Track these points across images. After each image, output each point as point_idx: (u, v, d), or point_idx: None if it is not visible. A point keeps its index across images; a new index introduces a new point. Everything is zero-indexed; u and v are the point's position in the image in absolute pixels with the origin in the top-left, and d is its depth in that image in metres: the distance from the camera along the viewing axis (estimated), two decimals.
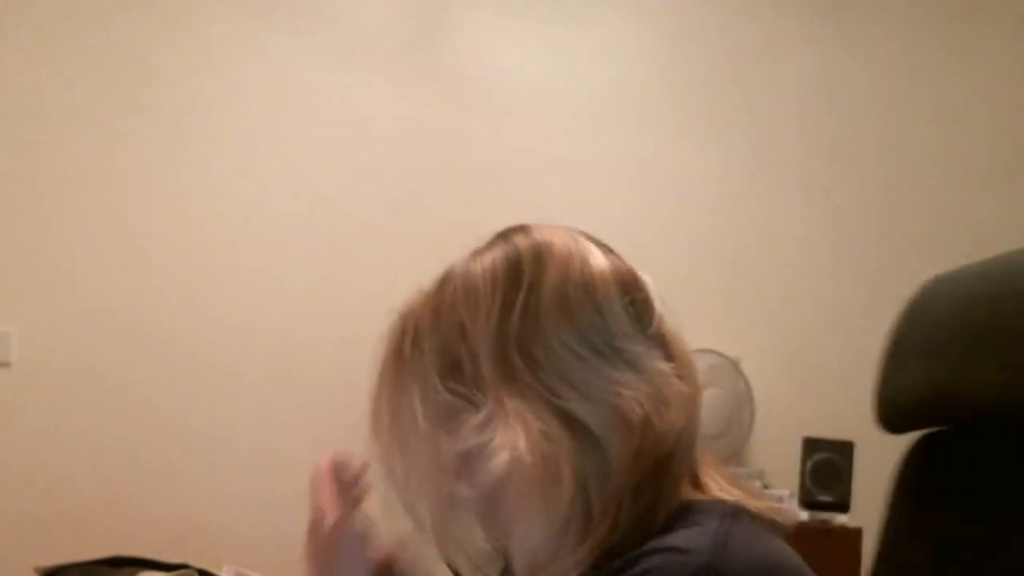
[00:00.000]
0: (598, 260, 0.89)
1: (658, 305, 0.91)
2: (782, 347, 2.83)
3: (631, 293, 0.88)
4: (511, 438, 0.75)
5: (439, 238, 2.83)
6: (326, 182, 2.79)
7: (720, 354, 2.83)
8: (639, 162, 2.96)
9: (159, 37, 2.73)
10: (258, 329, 2.72)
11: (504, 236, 0.90)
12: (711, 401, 2.81)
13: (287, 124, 2.78)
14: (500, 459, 0.75)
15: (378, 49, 2.83)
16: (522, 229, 0.92)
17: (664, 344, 0.88)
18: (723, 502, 0.78)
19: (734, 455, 2.82)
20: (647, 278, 0.93)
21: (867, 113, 3.02)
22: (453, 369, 0.81)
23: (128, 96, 2.70)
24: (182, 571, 2.06)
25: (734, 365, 2.82)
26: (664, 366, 0.83)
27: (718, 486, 0.81)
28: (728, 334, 2.88)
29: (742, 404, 2.83)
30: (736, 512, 0.76)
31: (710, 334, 2.85)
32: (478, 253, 0.88)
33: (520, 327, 0.81)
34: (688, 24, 3.00)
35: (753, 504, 0.78)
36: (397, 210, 2.81)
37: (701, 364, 2.92)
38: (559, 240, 0.90)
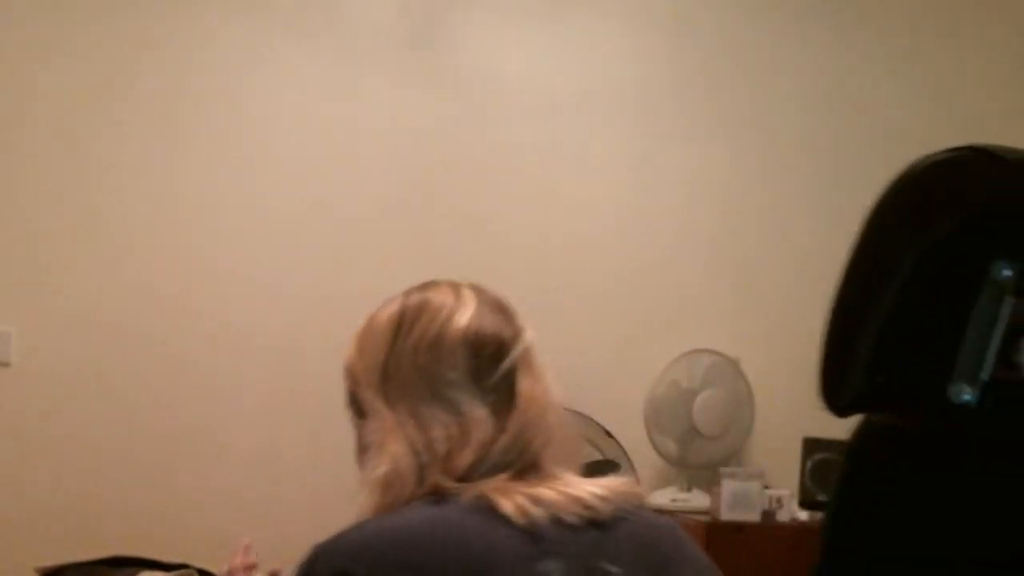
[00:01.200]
0: (460, 321, 1.12)
1: (507, 363, 1.11)
2: (782, 347, 2.82)
3: (478, 351, 1.11)
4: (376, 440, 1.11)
5: (438, 237, 2.84)
6: (325, 182, 2.79)
7: (720, 354, 2.83)
8: (640, 162, 2.96)
9: (159, 37, 2.72)
10: (258, 329, 2.72)
11: (406, 292, 1.18)
12: (711, 401, 2.81)
13: (287, 124, 2.78)
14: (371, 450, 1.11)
15: (378, 49, 2.83)
16: (423, 287, 1.18)
17: (502, 394, 1.10)
18: (438, 493, 1.05)
19: (734, 455, 2.82)
20: (525, 335, 1.14)
21: (869, 113, 3.02)
22: (352, 398, 1.18)
23: (128, 96, 2.70)
24: (182, 571, 2.05)
25: (734, 365, 2.82)
26: (481, 413, 1.08)
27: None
28: (728, 334, 2.88)
29: (742, 404, 2.83)
30: (440, 498, 1.04)
31: (710, 334, 2.85)
32: (386, 304, 1.18)
33: (388, 369, 1.12)
34: (689, 24, 2.99)
35: (498, 500, 1.03)
36: (396, 209, 2.81)
37: (701, 364, 2.92)
38: (439, 299, 1.15)
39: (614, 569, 1.05)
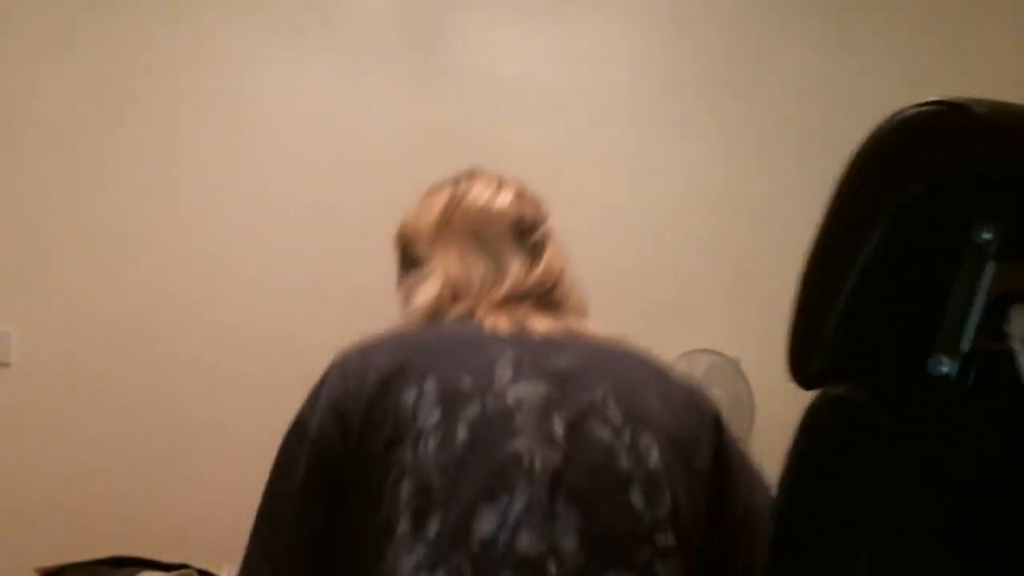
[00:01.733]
0: (505, 198, 1.41)
1: (538, 234, 1.39)
2: (782, 347, 2.82)
3: (517, 221, 1.38)
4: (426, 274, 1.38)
5: None
6: (325, 182, 2.79)
7: (720, 354, 2.83)
8: (640, 162, 2.96)
9: (159, 37, 2.73)
10: (259, 328, 2.72)
11: (455, 179, 1.49)
12: None
13: (287, 124, 2.78)
14: (420, 285, 1.39)
15: (378, 49, 2.83)
16: (470, 174, 1.50)
17: (533, 255, 1.37)
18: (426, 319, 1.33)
19: None
20: (544, 223, 1.43)
21: (868, 113, 3.01)
22: (404, 257, 1.47)
23: (127, 96, 2.70)
24: (182, 571, 2.06)
25: (734, 365, 2.82)
26: (516, 264, 1.34)
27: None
28: (728, 334, 2.88)
29: (742, 404, 2.83)
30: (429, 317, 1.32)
31: (710, 334, 2.85)
32: (436, 186, 1.51)
33: (442, 224, 1.41)
34: (689, 24, 3.00)
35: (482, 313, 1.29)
36: (397, 209, 2.81)
37: (701, 364, 2.92)
38: (485, 181, 1.46)
39: (562, 363, 1.22)
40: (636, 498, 1.15)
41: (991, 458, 0.74)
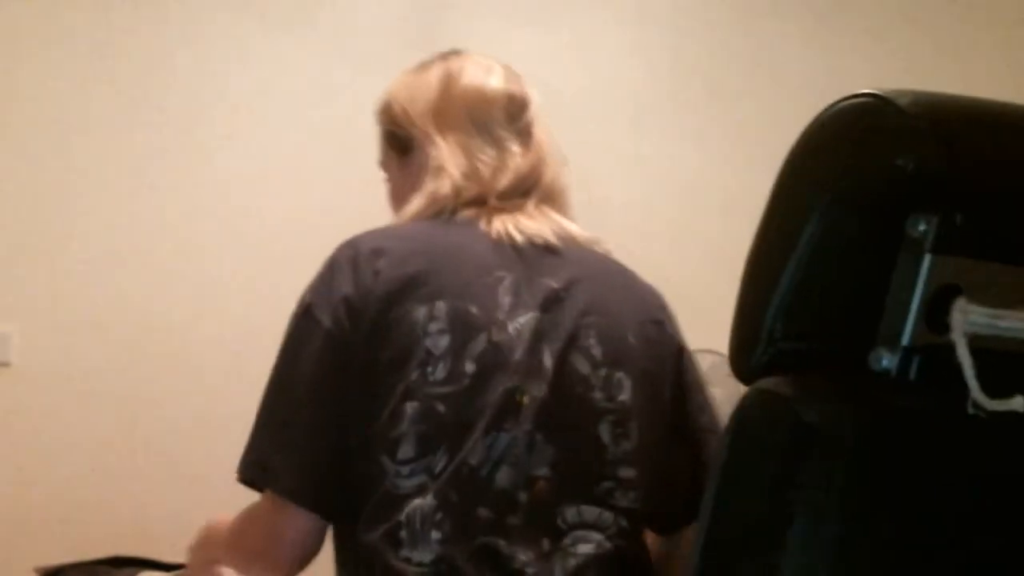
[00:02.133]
0: (497, 79, 1.42)
1: (530, 113, 1.42)
2: None
3: (510, 101, 1.41)
4: (432, 165, 1.39)
5: None
6: (325, 182, 2.79)
7: (720, 354, 2.82)
8: (640, 162, 2.95)
9: (157, 37, 2.72)
10: (259, 329, 2.71)
11: (443, 55, 1.45)
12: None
13: (286, 124, 2.78)
14: (425, 174, 1.40)
15: (378, 49, 2.83)
16: (456, 54, 1.46)
17: (526, 137, 1.40)
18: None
19: None
20: (531, 100, 1.46)
21: None
22: (392, 137, 1.46)
23: (128, 95, 2.70)
24: (182, 571, 2.05)
25: None
26: (516, 148, 1.37)
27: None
28: (728, 334, 2.87)
29: None
30: (450, 218, 1.33)
31: (710, 334, 2.83)
32: (424, 63, 1.48)
33: (441, 107, 1.39)
34: (690, 24, 3.00)
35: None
36: None
37: (701, 364, 2.91)
38: (476, 61, 1.43)
39: (554, 283, 1.28)
40: (604, 432, 1.23)
41: (921, 452, 0.73)
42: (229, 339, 2.70)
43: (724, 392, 2.79)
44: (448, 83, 1.38)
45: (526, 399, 1.20)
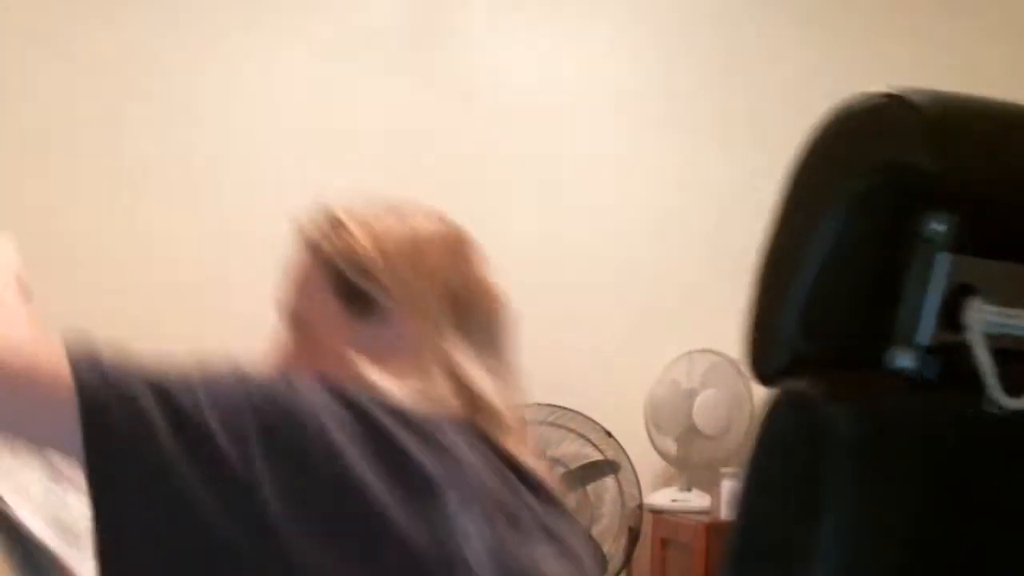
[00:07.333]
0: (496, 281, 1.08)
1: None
2: None
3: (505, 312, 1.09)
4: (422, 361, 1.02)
5: None
6: (324, 182, 2.77)
7: (720, 354, 2.83)
8: (640, 162, 2.95)
9: (157, 37, 2.72)
10: (258, 330, 2.71)
11: (437, 216, 1.09)
12: (711, 401, 2.80)
13: (285, 124, 2.77)
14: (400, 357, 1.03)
15: (377, 49, 2.83)
16: (440, 217, 1.09)
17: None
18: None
19: (733, 455, 2.82)
20: None
21: None
22: (353, 290, 1.05)
23: (128, 95, 2.69)
24: None
25: (734, 365, 2.82)
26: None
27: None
28: (728, 334, 2.85)
29: (742, 404, 2.82)
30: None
31: (710, 334, 2.84)
32: (416, 212, 1.10)
33: (459, 295, 1.04)
34: (690, 24, 2.99)
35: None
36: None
37: (701, 364, 2.91)
38: (470, 239, 1.08)
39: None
40: None
41: (941, 450, 0.74)
42: (229, 340, 2.69)
43: (724, 392, 2.79)
44: (462, 258, 1.09)
45: None
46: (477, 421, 0.96)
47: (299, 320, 1.08)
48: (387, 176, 2.81)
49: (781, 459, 0.77)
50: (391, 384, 0.94)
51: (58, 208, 2.65)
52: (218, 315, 2.70)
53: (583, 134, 2.92)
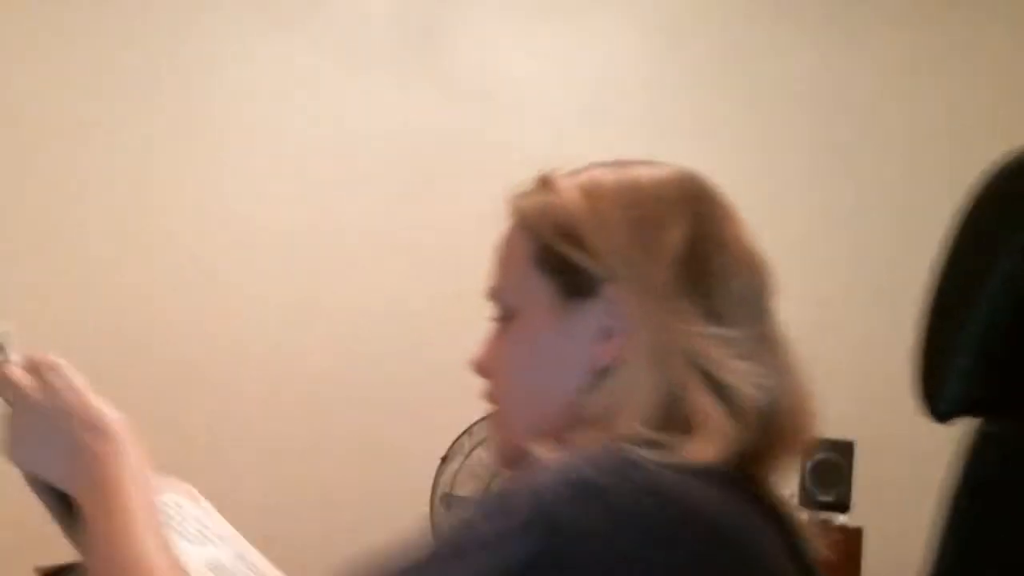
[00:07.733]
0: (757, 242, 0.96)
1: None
2: None
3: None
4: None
5: (438, 238, 2.84)
6: (325, 183, 2.79)
7: None
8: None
9: (156, 37, 2.72)
10: (258, 331, 2.72)
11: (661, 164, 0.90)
12: None
13: (285, 125, 2.78)
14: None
15: (377, 49, 2.83)
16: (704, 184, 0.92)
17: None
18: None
19: None
20: None
21: (870, 112, 3.02)
22: (569, 266, 0.85)
23: (129, 97, 2.70)
24: None
25: None
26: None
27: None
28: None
29: None
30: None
31: None
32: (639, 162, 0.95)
33: (695, 258, 0.88)
34: (691, 23, 2.99)
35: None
36: (396, 210, 2.81)
37: None
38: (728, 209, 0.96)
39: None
40: None
41: None
42: (228, 341, 2.70)
43: None
44: (699, 213, 0.98)
45: None
46: (742, 454, 0.72)
47: (507, 307, 0.85)
48: (387, 176, 2.82)
49: (991, 495, 0.81)
50: (639, 443, 0.69)
51: (58, 208, 2.66)
52: (219, 315, 2.71)
53: (585, 134, 2.93)
